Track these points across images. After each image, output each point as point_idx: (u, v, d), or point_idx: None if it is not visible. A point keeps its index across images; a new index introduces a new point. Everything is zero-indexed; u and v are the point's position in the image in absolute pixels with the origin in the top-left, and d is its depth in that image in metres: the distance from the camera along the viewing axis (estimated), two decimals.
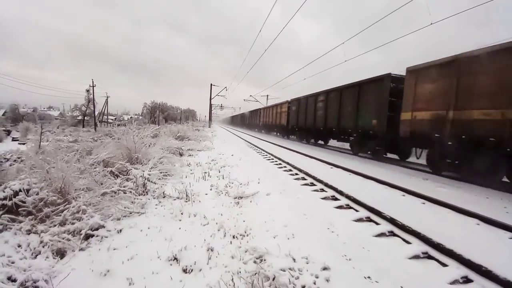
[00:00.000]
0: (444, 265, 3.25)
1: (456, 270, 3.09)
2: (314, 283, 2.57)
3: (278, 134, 31.16)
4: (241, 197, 5.06)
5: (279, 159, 11.01)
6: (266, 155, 12.81)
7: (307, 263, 2.91)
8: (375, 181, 7.33)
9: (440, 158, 8.78)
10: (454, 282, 2.93)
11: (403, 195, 6.08)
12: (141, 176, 5.42)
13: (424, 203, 5.51)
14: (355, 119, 13.18)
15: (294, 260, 2.95)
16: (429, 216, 4.74)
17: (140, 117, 68.23)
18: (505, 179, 7.70)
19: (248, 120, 50.33)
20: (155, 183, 5.72)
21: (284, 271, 2.70)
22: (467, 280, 2.97)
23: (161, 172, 6.41)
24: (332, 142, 20.60)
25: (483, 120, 7.27)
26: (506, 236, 4.05)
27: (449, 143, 8.16)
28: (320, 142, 21.00)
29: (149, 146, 8.11)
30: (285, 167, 9.49)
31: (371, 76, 12.29)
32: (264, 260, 2.91)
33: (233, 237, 3.50)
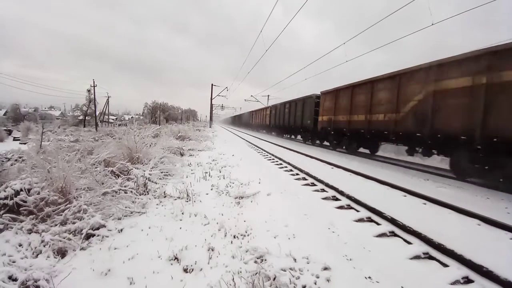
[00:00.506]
0: (445, 265, 3.24)
1: (457, 271, 3.08)
2: (315, 283, 2.57)
3: (264, 131, 36.99)
4: (242, 197, 5.06)
5: (280, 159, 11.02)
6: (267, 155, 12.83)
7: (308, 263, 2.91)
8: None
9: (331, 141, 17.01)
10: (455, 282, 2.92)
11: (404, 196, 6.07)
12: (142, 176, 5.43)
13: (425, 204, 5.50)
14: (301, 120, 21.66)
15: (294, 260, 2.95)
16: (430, 216, 4.74)
17: (141, 117, 68.27)
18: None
19: (248, 120, 50.85)
20: (156, 183, 5.73)
21: (284, 271, 2.70)
22: (468, 280, 2.97)
23: (162, 172, 6.42)
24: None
25: (342, 121, 14.67)
26: (507, 237, 4.04)
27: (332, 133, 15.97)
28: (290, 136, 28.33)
29: (150, 146, 8.12)
30: (286, 167, 9.48)
31: (308, 94, 20.61)
32: (265, 260, 2.91)
33: (234, 237, 3.50)
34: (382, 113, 11.49)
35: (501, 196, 6.56)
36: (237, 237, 3.50)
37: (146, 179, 5.44)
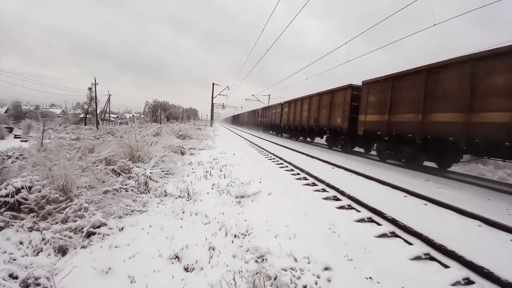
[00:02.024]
0: (446, 266, 3.24)
1: (458, 272, 3.08)
2: (316, 283, 2.56)
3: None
4: (243, 197, 5.06)
5: (282, 158, 11.00)
6: (268, 154, 12.82)
7: (309, 263, 2.90)
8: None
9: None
10: (456, 283, 2.92)
11: (405, 196, 6.06)
12: (143, 175, 5.43)
13: (426, 204, 5.48)
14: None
15: (295, 260, 2.94)
16: (431, 217, 4.72)
17: (142, 116, 68.31)
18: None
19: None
20: (157, 182, 5.73)
21: (285, 270, 2.69)
22: (468, 281, 2.97)
23: (162, 171, 6.42)
24: None
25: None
26: (508, 238, 4.03)
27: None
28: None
29: (151, 144, 8.13)
30: (287, 166, 9.47)
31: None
32: (266, 259, 2.91)
33: (235, 236, 3.50)
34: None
35: (502, 198, 6.55)
36: (238, 236, 3.50)
37: (147, 177, 5.43)
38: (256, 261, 2.87)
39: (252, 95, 51.16)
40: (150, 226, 3.67)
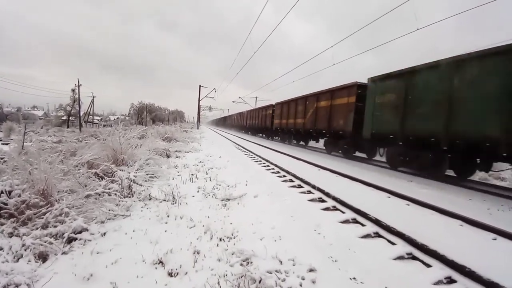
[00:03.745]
0: (428, 265, 3.29)
1: (440, 271, 3.14)
2: (300, 285, 2.58)
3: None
4: (229, 199, 5.04)
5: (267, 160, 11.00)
6: (254, 156, 12.80)
7: (294, 265, 2.92)
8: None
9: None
10: (438, 282, 2.97)
11: (389, 197, 6.16)
12: (126, 178, 5.34)
13: (408, 205, 5.58)
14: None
15: (280, 262, 2.95)
16: (414, 217, 4.81)
17: (127, 118, 67.30)
18: None
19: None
20: (141, 185, 5.65)
21: (270, 273, 2.70)
22: (450, 280, 3.02)
23: (147, 174, 6.33)
24: None
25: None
26: (490, 237, 4.13)
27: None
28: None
29: (136, 147, 8.02)
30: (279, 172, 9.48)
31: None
32: (251, 262, 2.91)
33: (220, 239, 3.48)
34: None
35: (483, 198, 6.73)
36: (223, 239, 3.48)
37: (131, 181, 5.35)
38: (241, 264, 2.86)
39: (239, 97, 51.10)
40: (133, 231, 3.61)
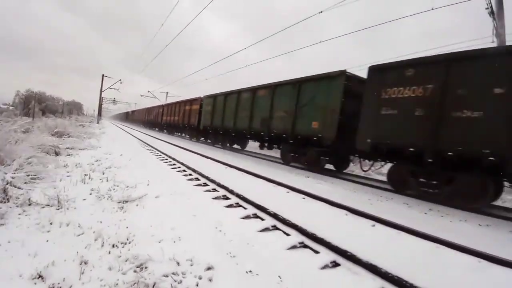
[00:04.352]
0: (316, 252, 3.62)
1: (326, 256, 3.49)
2: (197, 285, 2.57)
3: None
4: (126, 201, 4.68)
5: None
6: (160, 155, 12.18)
7: (192, 265, 2.89)
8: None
9: None
10: (325, 267, 3.28)
11: (288, 192, 6.65)
12: (1, 180, 4.53)
13: (304, 198, 6.12)
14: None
15: (178, 263, 2.89)
16: (307, 209, 5.29)
17: (11, 108, 57.00)
18: None
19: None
20: (20, 188, 4.84)
21: (166, 276, 2.62)
22: (335, 264, 3.36)
23: (28, 175, 5.45)
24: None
25: None
26: (369, 224, 4.77)
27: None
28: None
29: (16, 142, 6.89)
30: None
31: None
32: (146, 267, 2.76)
33: (113, 246, 3.21)
34: None
35: (365, 190, 7.82)
36: (116, 246, 3.22)
37: (7, 183, 4.55)
38: (135, 271, 2.69)
39: (148, 91, 48.42)
40: (8, 242, 3.05)
